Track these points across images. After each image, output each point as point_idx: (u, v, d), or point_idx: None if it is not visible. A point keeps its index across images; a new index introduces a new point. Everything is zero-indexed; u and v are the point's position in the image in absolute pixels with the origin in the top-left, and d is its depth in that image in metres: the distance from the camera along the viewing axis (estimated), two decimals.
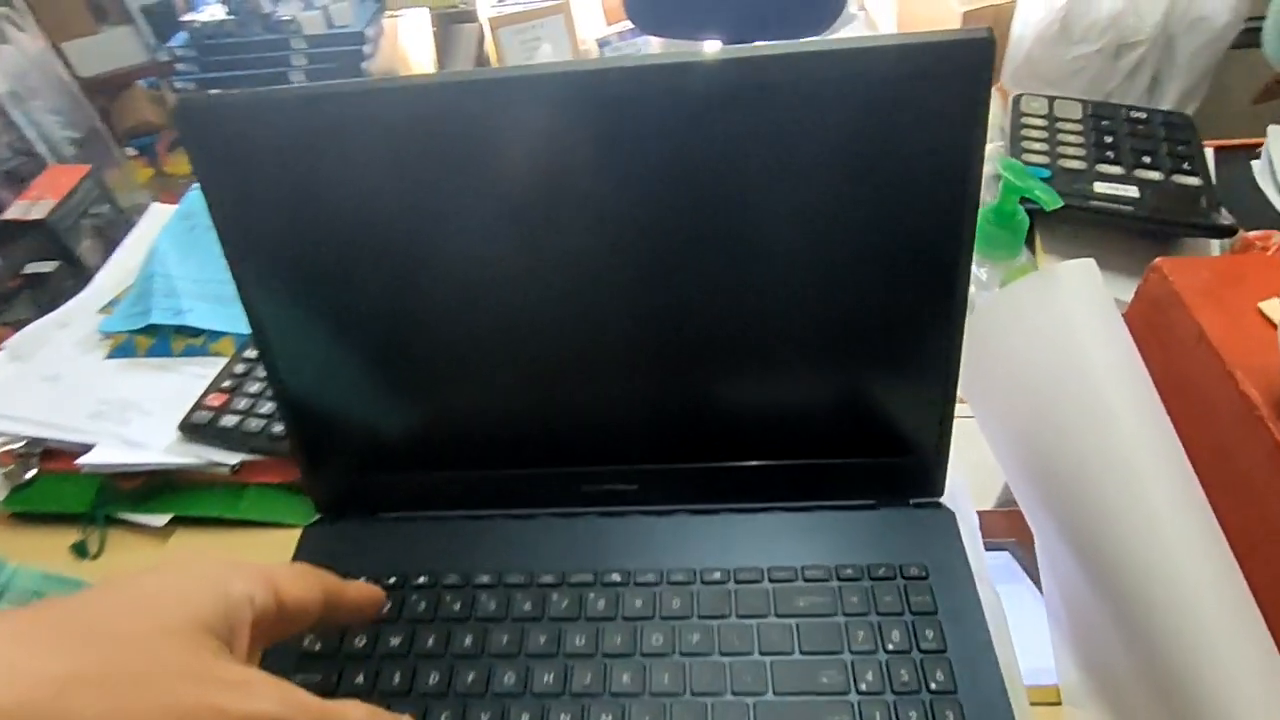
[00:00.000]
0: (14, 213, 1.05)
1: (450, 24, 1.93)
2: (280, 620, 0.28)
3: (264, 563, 0.29)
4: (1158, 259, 0.40)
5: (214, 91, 0.40)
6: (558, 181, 0.38)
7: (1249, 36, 1.48)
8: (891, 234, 0.38)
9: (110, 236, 1.15)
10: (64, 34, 1.85)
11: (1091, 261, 0.41)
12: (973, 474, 0.48)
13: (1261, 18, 1.23)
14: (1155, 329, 0.40)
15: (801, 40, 0.34)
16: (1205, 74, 1.55)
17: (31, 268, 1.08)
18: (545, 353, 0.43)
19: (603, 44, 1.93)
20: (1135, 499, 0.36)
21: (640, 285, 0.40)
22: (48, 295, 1.07)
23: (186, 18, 1.69)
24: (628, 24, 1.85)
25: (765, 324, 0.41)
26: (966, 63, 0.34)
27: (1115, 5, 1.46)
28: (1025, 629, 0.44)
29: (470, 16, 1.91)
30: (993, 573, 0.48)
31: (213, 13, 1.66)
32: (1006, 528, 0.63)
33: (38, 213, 1.05)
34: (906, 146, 0.35)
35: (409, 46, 1.88)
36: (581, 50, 1.93)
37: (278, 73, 1.69)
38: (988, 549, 0.56)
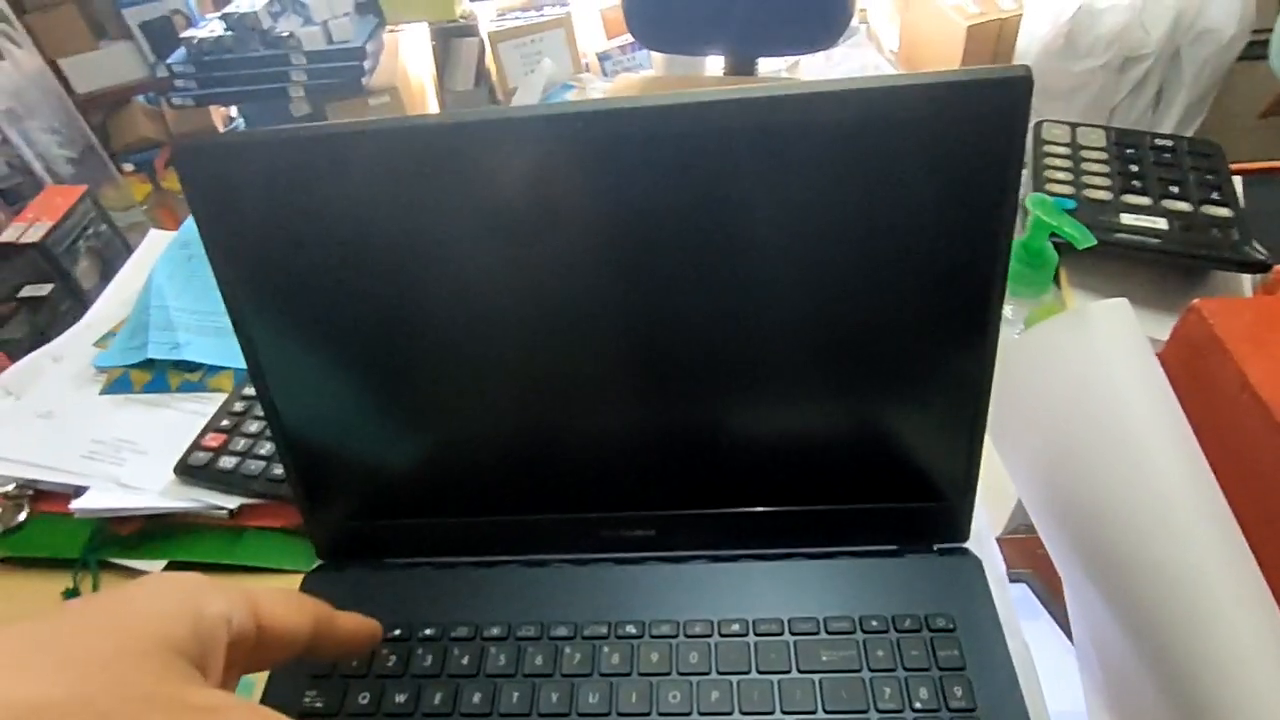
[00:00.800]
0: (9, 235, 1.04)
1: (450, 38, 1.93)
2: (262, 645, 0.27)
3: (250, 585, 0.28)
4: (1196, 300, 0.38)
5: (212, 133, 0.38)
6: (567, 223, 0.36)
7: (1256, 49, 1.48)
8: (923, 275, 0.36)
9: (107, 258, 1.14)
10: (62, 50, 1.85)
11: (1125, 302, 0.39)
12: (981, 500, 0.47)
13: (1269, 30, 1.22)
14: (1194, 374, 0.38)
15: (836, 79, 0.32)
16: (1212, 87, 1.55)
17: (28, 290, 1.07)
18: (556, 393, 0.41)
19: (603, 58, 1.92)
20: (1175, 552, 0.35)
21: (657, 328, 0.39)
22: (44, 317, 1.06)
23: (186, 34, 1.68)
24: (629, 37, 1.85)
25: (789, 366, 0.39)
26: (1004, 102, 0.32)
27: (1120, 19, 1.45)
28: (1047, 667, 0.42)
29: (471, 31, 1.91)
30: (1024, 608, 0.47)
31: (212, 29, 1.65)
32: (1022, 557, 0.61)
33: (33, 235, 1.04)
34: (941, 186, 0.34)
35: (409, 61, 1.87)
36: (582, 64, 1.92)
37: (277, 88, 1.68)
38: (1018, 581, 0.54)
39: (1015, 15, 1.53)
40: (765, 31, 1.31)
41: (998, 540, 0.52)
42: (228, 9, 1.68)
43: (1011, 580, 0.58)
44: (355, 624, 0.32)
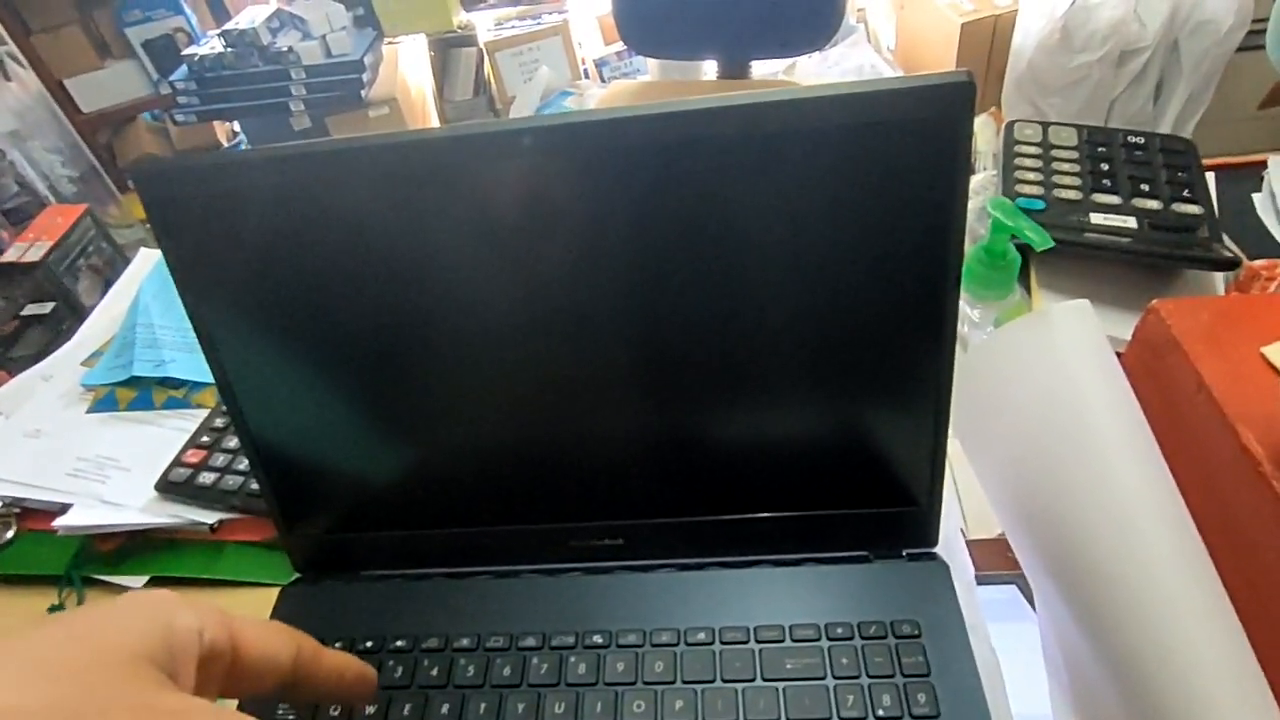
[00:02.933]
0: (11, 255, 1.06)
1: (449, 48, 1.94)
2: (238, 667, 0.27)
3: (234, 613, 0.28)
4: (1155, 301, 0.38)
5: (169, 156, 0.39)
6: (536, 234, 0.37)
7: (1256, 39, 1.46)
8: (877, 279, 0.36)
9: (108, 276, 1.16)
10: (67, 70, 1.87)
11: (1086, 303, 0.39)
12: (977, 502, 0.47)
13: (1268, 20, 1.21)
14: (1153, 374, 0.38)
15: (785, 89, 0.33)
16: (1210, 79, 1.53)
17: (31, 309, 1.08)
18: (527, 406, 0.42)
19: (600, 64, 1.92)
20: (1132, 553, 0.35)
21: (624, 338, 0.39)
22: (47, 336, 1.08)
23: (187, 52, 1.70)
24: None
25: (753, 374, 0.39)
26: (946, 106, 0.32)
27: (1116, 12, 1.44)
28: (1030, 670, 0.42)
29: (469, 41, 1.92)
30: (997, 608, 0.46)
31: (212, 46, 1.67)
32: (1012, 560, 0.60)
33: (34, 254, 1.05)
34: (889, 191, 0.34)
35: (408, 72, 1.89)
36: (581, 71, 1.93)
37: (277, 103, 1.70)
38: (992, 583, 0.54)
39: (1010, 11, 1.52)
40: (757, 35, 1.31)
41: (991, 541, 0.52)
42: (228, 26, 1.70)
43: (999, 583, 0.58)
44: (341, 662, 0.32)
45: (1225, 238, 0.49)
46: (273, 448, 0.44)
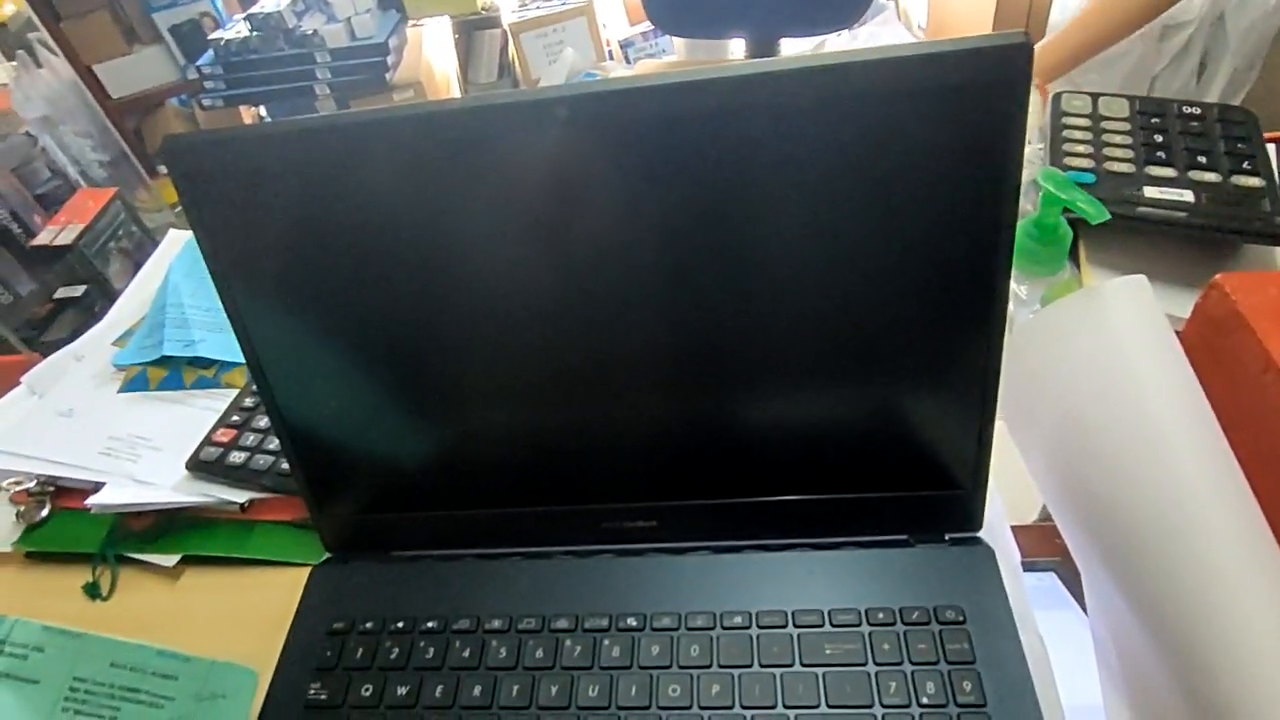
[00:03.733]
0: (43, 238, 1.07)
1: (473, 30, 1.93)
2: None
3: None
4: (1218, 274, 0.36)
5: (201, 130, 0.38)
6: (569, 208, 0.36)
7: None
8: (925, 252, 0.35)
9: (139, 259, 1.17)
10: (96, 56, 1.89)
11: (1142, 278, 0.38)
12: (1012, 487, 0.45)
13: None
14: (1216, 354, 0.36)
15: (829, 53, 0.31)
16: (1258, 54, 1.48)
17: (63, 292, 1.10)
18: (560, 383, 0.41)
19: (625, 45, 1.90)
20: (1193, 540, 0.33)
21: (659, 313, 0.38)
22: (80, 318, 1.09)
23: (213, 36, 1.70)
24: (650, 24, 1.83)
25: (792, 349, 0.38)
26: (1002, 69, 0.31)
27: None
28: (1071, 659, 0.41)
29: (493, 22, 1.90)
30: (1036, 596, 0.45)
31: (238, 30, 1.67)
32: (1051, 546, 0.59)
33: (65, 238, 1.06)
34: (939, 160, 0.33)
35: (432, 55, 1.88)
36: (605, 52, 1.91)
37: (303, 86, 1.70)
38: (1030, 570, 0.52)
39: None
40: (786, 12, 1.28)
41: (1029, 527, 0.50)
42: (253, 10, 1.70)
43: (1040, 570, 0.56)
44: None
45: None
46: (303, 427, 0.43)
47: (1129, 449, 0.36)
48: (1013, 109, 0.31)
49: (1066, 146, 0.51)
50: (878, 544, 0.42)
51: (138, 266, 0.74)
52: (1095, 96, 0.55)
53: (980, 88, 0.31)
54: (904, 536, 0.43)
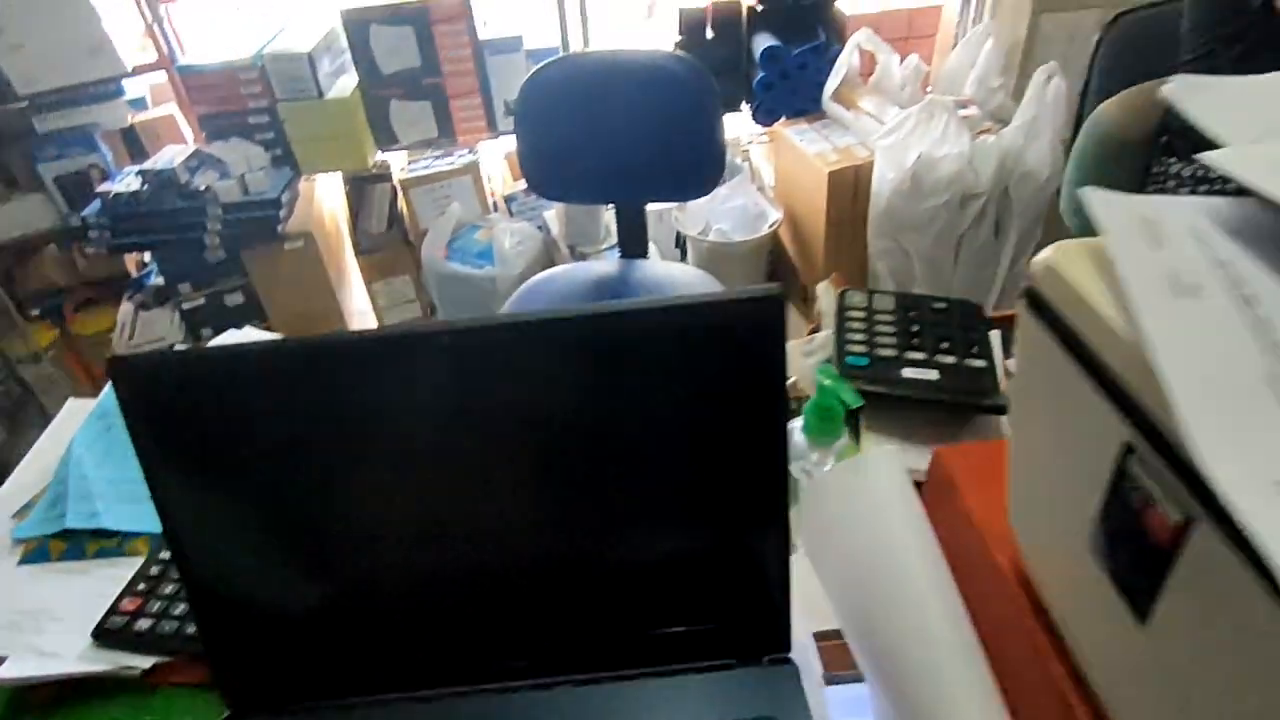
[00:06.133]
0: None
1: (365, 184, 2.05)
2: None
3: None
4: (937, 448, 0.50)
5: (148, 351, 0.46)
6: (440, 419, 0.46)
7: None
8: (724, 446, 0.46)
9: (19, 418, 1.16)
10: None
11: (893, 449, 0.51)
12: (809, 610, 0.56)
13: None
14: (942, 510, 0.49)
15: (629, 301, 0.43)
16: (1039, 218, 1.79)
17: None
18: (437, 557, 0.50)
19: (510, 200, 2.07)
20: (930, 668, 0.44)
21: (521, 500, 0.48)
22: None
23: (102, 188, 1.74)
24: None
25: (629, 526, 0.49)
26: (761, 312, 0.44)
27: (955, 165, 1.69)
28: None
29: (385, 177, 2.03)
30: (854, 704, 0.55)
31: (128, 183, 1.73)
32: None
33: None
34: (727, 376, 0.45)
35: (324, 206, 1.98)
36: (490, 206, 2.07)
37: (192, 238, 1.75)
38: (840, 682, 0.63)
39: (868, 161, 1.75)
40: (647, 183, 1.46)
41: (842, 644, 0.61)
42: (145, 165, 1.76)
43: (847, 681, 0.66)
44: None
45: (1001, 389, 0.62)
46: (210, 592, 0.49)
47: (884, 588, 0.48)
48: (773, 342, 0.44)
49: (848, 336, 0.66)
50: (710, 668, 0.52)
51: (13, 422, 0.77)
52: (872, 293, 0.70)
53: (746, 326, 0.44)
54: (731, 660, 0.52)
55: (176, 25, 1.91)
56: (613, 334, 0.44)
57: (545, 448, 0.46)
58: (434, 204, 1.98)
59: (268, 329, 1.51)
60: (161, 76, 1.88)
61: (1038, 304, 0.34)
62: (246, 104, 1.81)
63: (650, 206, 1.88)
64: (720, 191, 2.02)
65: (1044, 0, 1.73)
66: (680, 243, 2.05)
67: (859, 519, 0.51)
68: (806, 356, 0.69)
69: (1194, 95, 0.37)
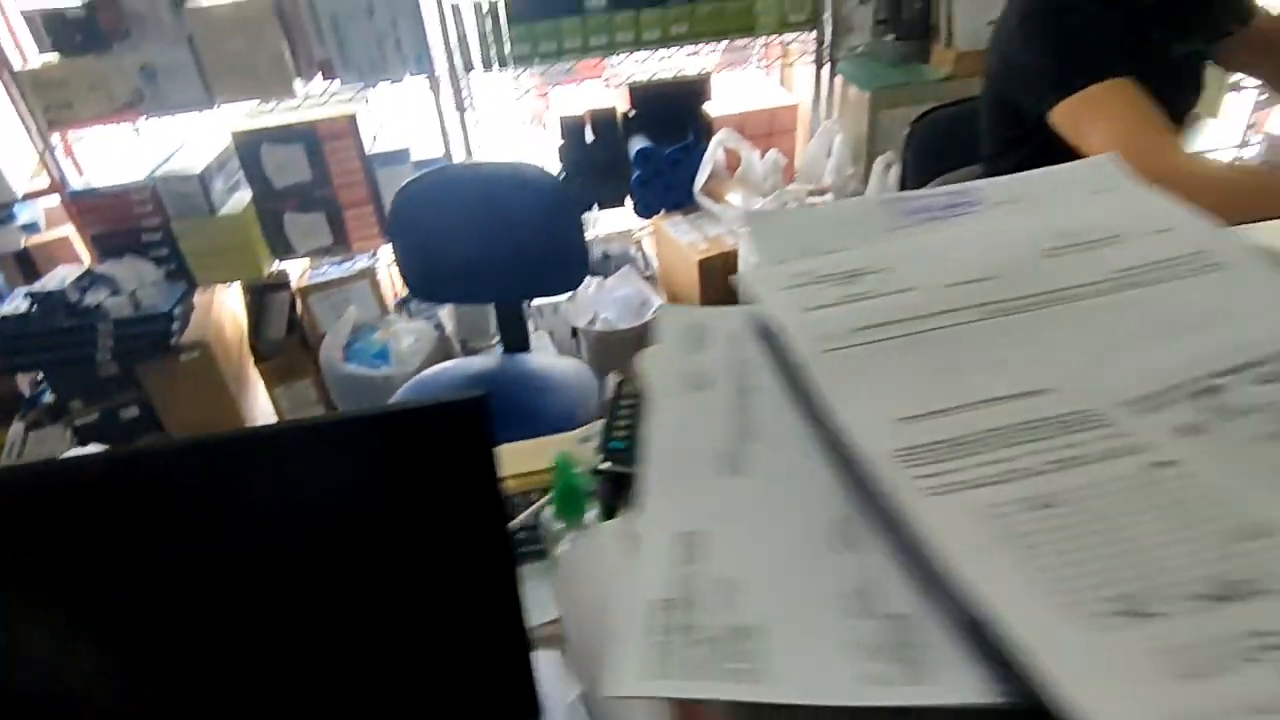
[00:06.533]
0: None
1: (264, 293, 2.10)
2: None
3: None
4: None
5: None
6: (169, 541, 0.51)
7: None
8: (443, 546, 0.52)
9: None
10: None
11: (618, 523, 0.57)
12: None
13: None
14: None
15: (327, 415, 0.50)
16: None
17: None
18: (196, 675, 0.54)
19: (405, 302, 2.14)
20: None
21: (255, 618, 0.52)
22: None
23: None
24: None
25: (357, 630, 0.54)
26: (465, 417, 0.50)
27: None
28: None
29: (283, 285, 2.10)
30: None
31: (16, 306, 1.76)
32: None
33: None
34: (441, 479, 0.51)
35: (222, 316, 2.03)
36: (389, 308, 2.14)
37: (82, 355, 1.78)
38: None
39: (736, 249, 1.88)
40: (519, 282, 1.56)
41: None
42: (34, 286, 1.80)
43: None
44: None
45: None
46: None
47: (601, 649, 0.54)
48: (477, 444, 0.51)
49: (616, 421, 0.74)
50: None
51: None
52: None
53: (452, 430, 0.50)
54: None
55: (75, 150, 1.98)
56: (309, 449, 0.50)
57: (253, 568, 0.51)
58: (333, 309, 2.05)
59: None
60: (55, 200, 1.94)
61: None
62: (140, 223, 1.87)
63: (542, 300, 1.98)
64: (609, 282, 2.13)
65: (880, 98, 1.91)
66: (575, 333, 2.14)
67: (592, 588, 0.57)
68: (582, 442, 0.76)
69: (763, 223, 0.46)
